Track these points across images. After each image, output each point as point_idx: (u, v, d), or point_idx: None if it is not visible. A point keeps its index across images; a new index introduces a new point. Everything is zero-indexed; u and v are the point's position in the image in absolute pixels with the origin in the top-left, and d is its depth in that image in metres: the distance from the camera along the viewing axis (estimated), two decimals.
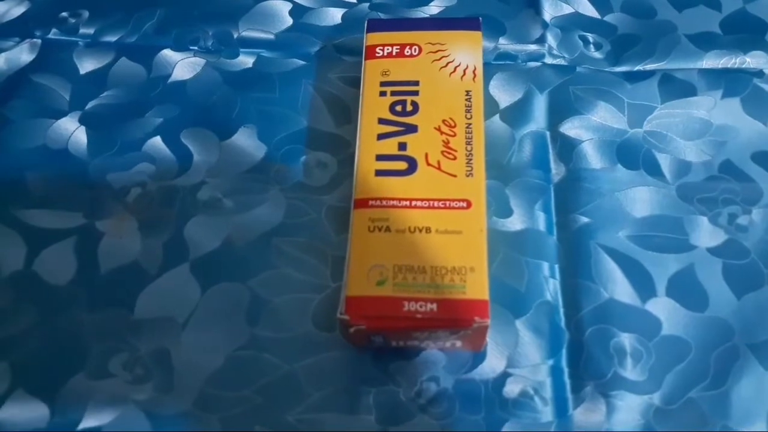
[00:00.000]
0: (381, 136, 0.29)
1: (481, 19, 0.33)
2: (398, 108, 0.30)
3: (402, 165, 0.28)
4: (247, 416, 0.27)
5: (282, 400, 0.27)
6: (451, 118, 0.29)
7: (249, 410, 0.27)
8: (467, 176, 0.28)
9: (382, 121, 0.29)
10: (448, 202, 0.27)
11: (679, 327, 0.29)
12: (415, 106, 0.30)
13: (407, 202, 0.27)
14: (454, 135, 0.29)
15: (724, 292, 0.30)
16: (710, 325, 0.29)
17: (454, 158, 0.28)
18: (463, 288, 0.25)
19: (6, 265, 0.31)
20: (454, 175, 0.28)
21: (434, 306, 0.25)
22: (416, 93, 0.30)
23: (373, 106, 0.30)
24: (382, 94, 0.30)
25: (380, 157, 0.29)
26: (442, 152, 0.28)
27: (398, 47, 0.32)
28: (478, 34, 0.32)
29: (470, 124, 0.29)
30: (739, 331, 0.29)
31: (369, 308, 0.25)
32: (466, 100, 0.30)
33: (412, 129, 0.29)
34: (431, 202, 0.27)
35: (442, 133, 0.29)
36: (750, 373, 0.28)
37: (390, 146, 0.29)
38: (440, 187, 0.28)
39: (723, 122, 0.34)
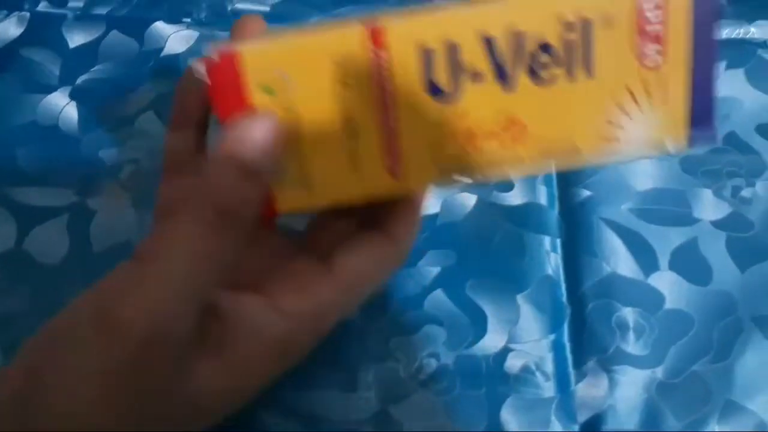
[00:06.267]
0: None
1: None
2: None
3: None
4: None
5: (279, 377, 0.27)
6: None
7: None
8: None
9: None
10: None
11: (682, 301, 0.29)
12: None
13: None
14: None
15: (728, 265, 0.29)
16: (714, 299, 0.29)
17: None
18: None
19: None
20: None
21: None
22: None
23: None
24: None
25: None
26: None
27: None
28: None
29: None
30: (742, 304, 0.29)
31: None
32: None
33: None
34: None
35: None
36: (754, 346, 0.28)
37: None
38: None
39: (727, 94, 0.33)
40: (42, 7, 0.36)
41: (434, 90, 0.21)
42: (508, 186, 0.31)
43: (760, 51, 0.34)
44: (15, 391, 0.19)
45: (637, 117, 0.20)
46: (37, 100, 0.34)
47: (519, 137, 0.21)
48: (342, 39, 0.20)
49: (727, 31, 0.35)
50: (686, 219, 0.30)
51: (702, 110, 0.20)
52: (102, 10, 0.36)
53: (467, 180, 0.22)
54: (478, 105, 0.21)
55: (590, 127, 0.21)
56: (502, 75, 0.20)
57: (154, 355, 0.18)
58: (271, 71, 0.21)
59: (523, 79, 0.20)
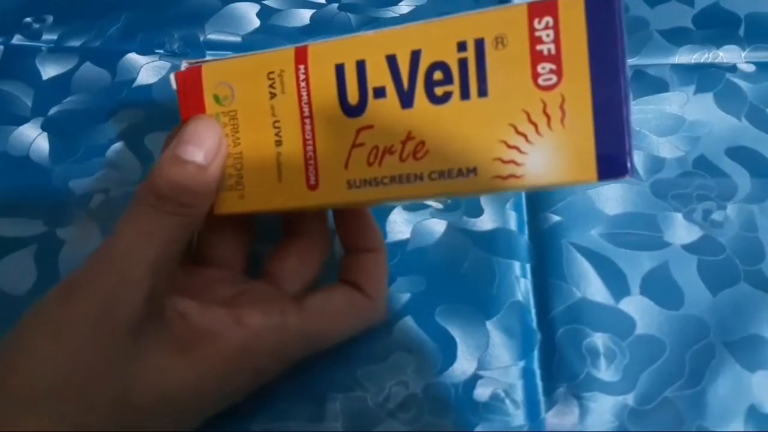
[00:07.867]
0: None
1: None
2: None
3: None
4: (209, 427, 0.26)
5: (246, 408, 0.27)
6: None
7: (211, 420, 0.26)
8: None
9: None
10: None
11: (653, 326, 0.28)
12: None
13: None
14: None
15: (700, 289, 0.29)
16: (685, 323, 0.28)
17: None
18: None
19: None
20: None
21: None
22: None
23: None
24: None
25: None
26: None
27: None
28: None
29: None
30: (714, 329, 0.28)
31: None
32: None
33: None
34: None
35: None
36: (726, 371, 0.27)
37: None
38: None
39: (696, 118, 0.34)
40: (16, 40, 0.37)
41: (345, 105, 0.22)
42: (477, 211, 0.31)
43: (728, 75, 0.35)
44: None
45: (536, 140, 0.20)
46: (9, 131, 0.34)
47: (418, 154, 0.21)
48: (275, 56, 0.23)
49: (696, 56, 0.36)
50: (657, 243, 0.30)
51: (609, 136, 0.19)
52: (76, 42, 0.36)
53: (374, 200, 0.22)
54: (380, 120, 0.21)
55: (486, 148, 0.20)
56: (401, 91, 0.21)
57: (108, 323, 0.21)
58: (220, 82, 0.23)
59: (420, 96, 0.21)
